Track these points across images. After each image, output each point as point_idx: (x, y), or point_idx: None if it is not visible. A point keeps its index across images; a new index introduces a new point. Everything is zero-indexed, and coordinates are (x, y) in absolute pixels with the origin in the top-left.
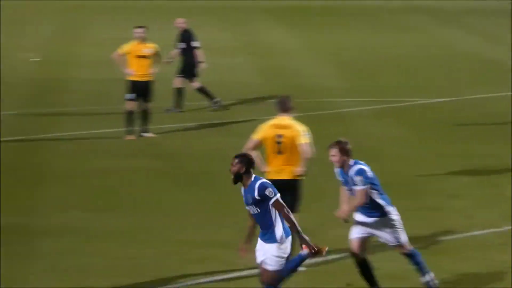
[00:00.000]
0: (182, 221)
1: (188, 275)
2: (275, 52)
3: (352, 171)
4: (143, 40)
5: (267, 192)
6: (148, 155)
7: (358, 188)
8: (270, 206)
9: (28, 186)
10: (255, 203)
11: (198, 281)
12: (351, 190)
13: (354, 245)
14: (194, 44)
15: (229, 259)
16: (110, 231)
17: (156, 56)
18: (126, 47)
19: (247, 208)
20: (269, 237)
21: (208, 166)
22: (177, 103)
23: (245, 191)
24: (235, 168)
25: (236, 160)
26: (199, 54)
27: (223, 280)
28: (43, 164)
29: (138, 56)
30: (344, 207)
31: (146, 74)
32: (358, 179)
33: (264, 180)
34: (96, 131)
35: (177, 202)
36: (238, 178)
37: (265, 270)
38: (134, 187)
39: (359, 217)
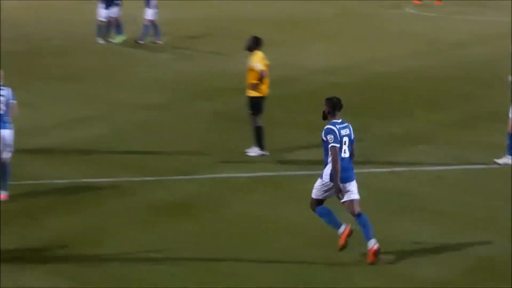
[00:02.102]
0: None
1: None
2: None
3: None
4: None
5: (327, 137)
6: None
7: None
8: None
9: None
10: (321, 140)
11: None
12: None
13: None
14: None
15: None
16: None
17: None
18: None
19: None
20: (322, 172)
21: None
22: None
23: None
24: (324, 108)
25: (325, 102)
26: None
27: None
28: None
29: None
30: None
31: None
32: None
33: (334, 126)
34: None
35: None
36: (324, 117)
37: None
38: None
39: None
